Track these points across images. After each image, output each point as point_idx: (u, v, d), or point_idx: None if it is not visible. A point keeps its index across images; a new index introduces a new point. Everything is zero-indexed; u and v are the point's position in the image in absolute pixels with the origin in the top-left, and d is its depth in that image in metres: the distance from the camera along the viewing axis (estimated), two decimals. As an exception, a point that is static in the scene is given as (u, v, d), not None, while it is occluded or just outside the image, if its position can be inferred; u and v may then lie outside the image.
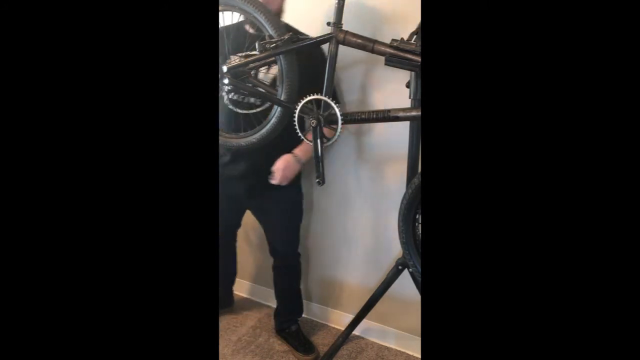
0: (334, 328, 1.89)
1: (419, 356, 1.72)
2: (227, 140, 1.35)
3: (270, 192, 1.51)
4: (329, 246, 1.82)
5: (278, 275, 1.77)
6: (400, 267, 1.48)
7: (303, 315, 1.95)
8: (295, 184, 1.62)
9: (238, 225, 1.79)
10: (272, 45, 1.19)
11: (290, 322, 1.81)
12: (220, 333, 1.84)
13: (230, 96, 1.39)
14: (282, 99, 1.23)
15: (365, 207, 1.70)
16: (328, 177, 1.71)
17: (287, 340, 1.78)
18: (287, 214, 1.65)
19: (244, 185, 1.52)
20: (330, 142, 1.21)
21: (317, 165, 1.21)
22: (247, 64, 1.23)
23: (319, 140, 1.18)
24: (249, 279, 2.08)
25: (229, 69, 1.21)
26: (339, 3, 1.16)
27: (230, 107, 1.36)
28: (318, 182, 1.22)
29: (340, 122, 1.17)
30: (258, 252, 2.01)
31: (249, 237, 2.00)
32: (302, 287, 1.85)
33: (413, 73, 1.22)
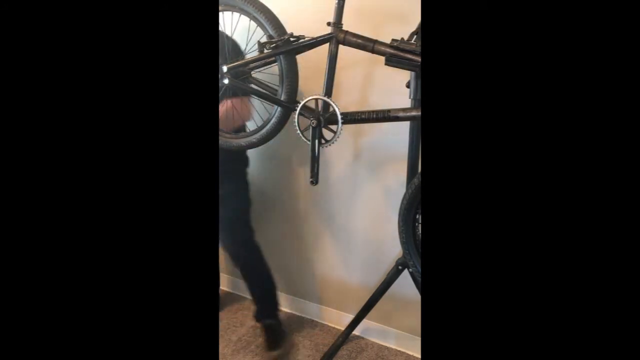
0: (333, 328, 1.89)
1: (419, 356, 1.72)
2: (227, 140, 1.35)
3: None
4: (328, 246, 1.82)
5: (240, 274, 1.75)
6: (400, 267, 1.48)
7: (303, 315, 1.95)
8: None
9: None
10: (272, 45, 1.19)
11: (263, 316, 1.77)
12: (220, 333, 1.84)
13: None
14: (282, 99, 1.23)
15: (365, 207, 1.70)
16: (328, 177, 1.71)
17: (263, 332, 1.75)
18: None
19: None
20: (330, 143, 1.21)
21: (312, 166, 1.21)
22: (247, 63, 1.23)
23: (316, 141, 1.19)
24: (249, 279, 2.08)
25: (229, 69, 1.21)
26: (338, 3, 1.16)
27: None
28: (311, 182, 1.23)
29: (340, 122, 1.17)
30: (258, 252, 2.00)
31: (249, 237, 2.00)
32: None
33: (413, 73, 1.22)
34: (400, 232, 1.30)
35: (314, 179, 1.23)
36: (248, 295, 2.09)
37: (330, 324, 1.92)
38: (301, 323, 1.91)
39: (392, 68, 1.15)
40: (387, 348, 1.79)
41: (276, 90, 1.26)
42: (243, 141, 1.33)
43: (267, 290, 1.77)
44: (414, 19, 1.18)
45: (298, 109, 1.18)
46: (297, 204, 1.82)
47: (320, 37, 1.18)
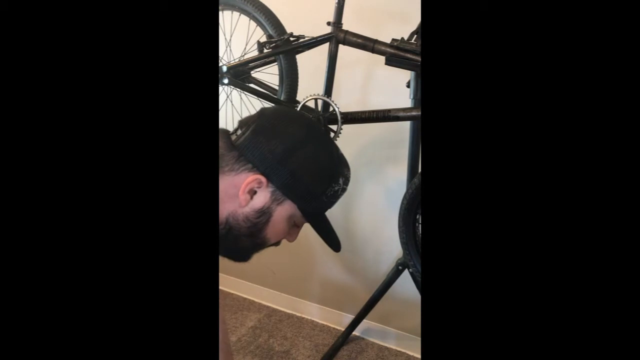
0: (334, 328, 1.89)
1: (419, 356, 1.72)
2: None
3: None
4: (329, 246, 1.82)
5: None
6: (400, 267, 1.48)
7: (303, 315, 1.95)
8: None
9: None
10: (271, 45, 1.19)
11: None
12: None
13: None
14: (282, 99, 1.23)
15: (365, 207, 1.70)
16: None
17: None
18: None
19: None
20: (330, 142, 1.21)
21: None
22: (247, 63, 1.23)
23: (318, 141, 1.18)
24: (249, 279, 2.08)
25: (228, 68, 1.21)
26: (338, 3, 1.16)
27: None
28: None
29: (340, 122, 1.17)
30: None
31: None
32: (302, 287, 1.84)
33: (413, 73, 1.22)
34: (400, 232, 1.30)
35: None
36: (248, 296, 2.09)
37: (330, 324, 1.92)
38: (301, 323, 1.91)
39: (392, 68, 1.15)
40: (387, 348, 1.79)
41: (276, 90, 1.26)
42: (243, 141, 1.32)
43: None
44: (414, 19, 1.18)
45: (298, 108, 1.18)
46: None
47: (320, 36, 1.18)
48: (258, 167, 0.76)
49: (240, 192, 0.76)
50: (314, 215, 0.85)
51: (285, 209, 0.79)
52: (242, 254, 0.86)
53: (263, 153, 0.76)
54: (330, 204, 0.86)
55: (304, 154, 0.77)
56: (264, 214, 0.78)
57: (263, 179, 0.76)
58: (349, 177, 0.86)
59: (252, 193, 0.77)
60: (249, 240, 0.82)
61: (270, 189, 0.77)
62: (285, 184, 0.77)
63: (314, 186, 0.79)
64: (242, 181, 0.75)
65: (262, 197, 0.77)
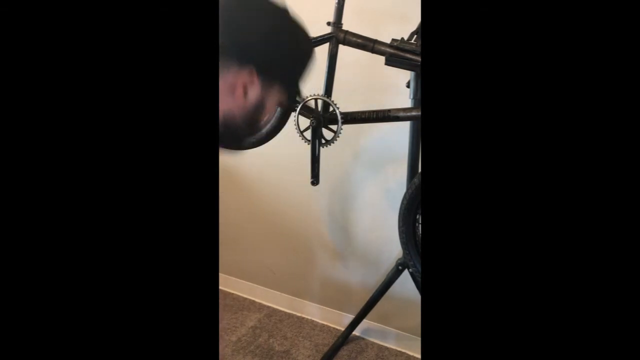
0: (334, 328, 1.89)
1: (419, 356, 1.72)
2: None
3: None
4: (329, 246, 1.82)
5: None
6: (400, 267, 1.48)
7: (303, 315, 1.95)
8: None
9: None
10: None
11: None
12: (220, 333, 1.84)
13: None
14: (282, 99, 1.23)
15: (365, 207, 1.70)
16: (328, 177, 1.71)
17: None
18: None
19: None
20: (330, 143, 1.21)
21: (312, 166, 1.21)
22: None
23: (317, 141, 1.19)
24: (249, 279, 2.08)
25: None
26: (339, 3, 1.16)
27: None
28: (312, 182, 1.23)
29: (340, 122, 1.17)
30: (258, 252, 2.01)
31: (249, 237, 2.00)
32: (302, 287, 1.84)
33: (413, 73, 1.22)
34: (400, 232, 1.30)
35: (315, 179, 1.23)
36: (248, 296, 2.09)
37: (330, 324, 1.92)
38: (301, 323, 1.91)
39: (392, 68, 1.15)
40: (387, 348, 1.79)
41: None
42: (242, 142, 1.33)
43: None
44: (414, 19, 1.18)
45: (298, 108, 1.18)
46: (297, 204, 1.82)
47: (320, 37, 1.18)
48: (243, 62, 0.79)
49: (237, 89, 0.80)
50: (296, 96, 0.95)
51: (275, 95, 0.85)
52: (240, 141, 0.98)
53: (243, 46, 0.80)
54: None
55: (283, 37, 0.84)
56: (259, 103, 0.84)
57: (253, 71, 0.79)
58: (314, 56, 0.93)
59: (245, 88, 0.81)
60: (247, 129, 0.90)
61: (260, 80, 0.81)
62: (271, 69, 0.82)
63: (297, 68, 0.87)
64: (232, 78, 0.79)
65: (255, 90, 0.81)
